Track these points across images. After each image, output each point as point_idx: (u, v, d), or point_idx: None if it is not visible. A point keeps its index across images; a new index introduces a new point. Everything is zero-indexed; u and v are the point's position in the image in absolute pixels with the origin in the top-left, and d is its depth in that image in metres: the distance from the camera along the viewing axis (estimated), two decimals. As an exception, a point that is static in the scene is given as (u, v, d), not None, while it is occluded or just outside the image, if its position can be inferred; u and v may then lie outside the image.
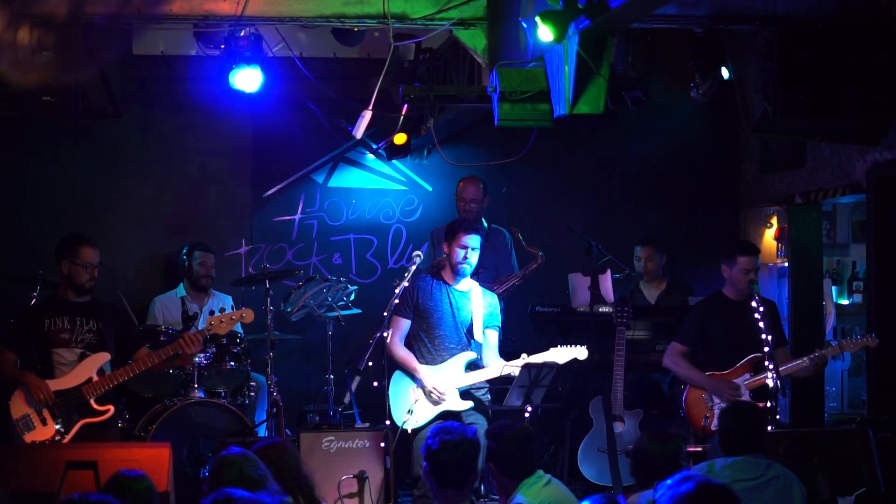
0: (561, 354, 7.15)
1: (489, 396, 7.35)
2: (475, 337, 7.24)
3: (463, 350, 7.22)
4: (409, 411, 7.06)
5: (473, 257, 7.20)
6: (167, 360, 6.95)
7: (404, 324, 7.22)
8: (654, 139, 9.85)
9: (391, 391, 7.14)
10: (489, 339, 7.28)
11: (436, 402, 7.09)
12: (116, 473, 4.34)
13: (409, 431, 7.06)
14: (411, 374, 7.16)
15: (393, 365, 7.21)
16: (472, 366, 7.22)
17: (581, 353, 7.19)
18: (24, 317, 7.13)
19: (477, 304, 7.26)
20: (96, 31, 6.83)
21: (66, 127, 8.87)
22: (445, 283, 7.28)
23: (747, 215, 9.95)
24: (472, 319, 7.24)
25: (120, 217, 9.35)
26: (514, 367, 7.05)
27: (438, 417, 7.05)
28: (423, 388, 7.11)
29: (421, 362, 7.18)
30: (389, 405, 7.06)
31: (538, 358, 7.11)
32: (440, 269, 7.38)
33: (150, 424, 7.67)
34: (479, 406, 7.19)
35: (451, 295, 7.25)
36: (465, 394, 7.18)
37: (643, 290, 9.12)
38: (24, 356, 6.98)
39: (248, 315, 7.21)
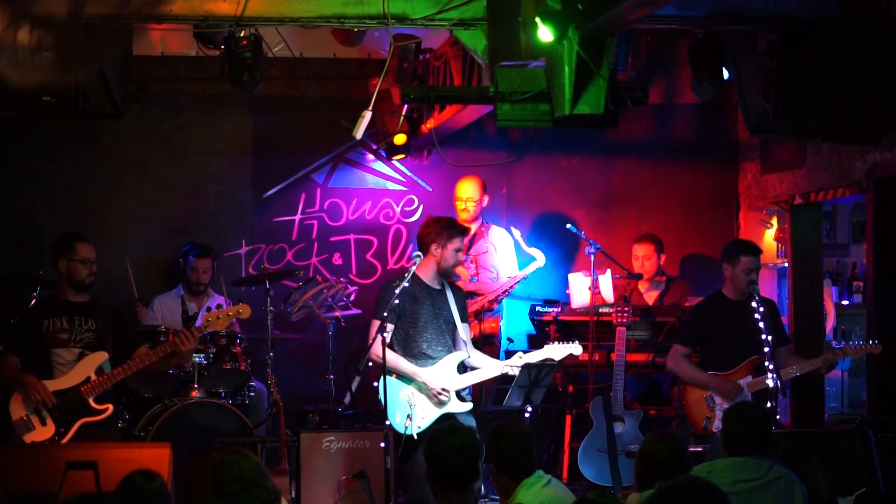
0: (556, 351, 7.15)
1: (471, 394, 7.35)
2: (460, 333, 7.23)
3: (449, 351, 7.21)
4: (409, 416, 7.04)
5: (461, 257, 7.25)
6: (164, 358, 6.94)
7: (389, 329, 7.17)
8: (654, 139, 9.85)
9: (383, 396, 7.11)
10: (465, 333, 7.28)
11: (438, 405, 7.08)
12: (130, 474, 4.34)
13: (416, 437, 7.03)
14: (408, 378, 7.12)
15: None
16: (461, 367, 7.21)
17: (576, 349, 7.21)
18: (24, 319, 7.14)
19: (451, 300, 7.25)
20: (96, 31, 6.83)
21: (66, 127, 8.87)
22: (425, 284, 7.25)
23: (747, 215, 9.95)
24: (452, 318, 7.23)
25: (120, 217, 9.34)
26: (512, 367, 7.05)
27: (440, 419, 7.04)
28: (427, 390, 7.08)
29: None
30: (386, 410, 7.03)
31: (534, 356, 7.12)
32: (416, 269, 7.26)
33: (150, 424, 7.68)
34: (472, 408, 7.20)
35: (431, 296, 7.23)
36: (460, 395, 7.17)
37: (641, 291, 9.12)
38: (25, 358, 6.98)
39: (245, 311, 7.16)
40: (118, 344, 7.07)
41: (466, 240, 7.40)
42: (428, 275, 7.22)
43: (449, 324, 7.22)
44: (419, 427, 7.04)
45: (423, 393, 7.11)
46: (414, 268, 7.13)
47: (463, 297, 7.42)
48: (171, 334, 7.72)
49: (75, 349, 6.92)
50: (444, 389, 7.03)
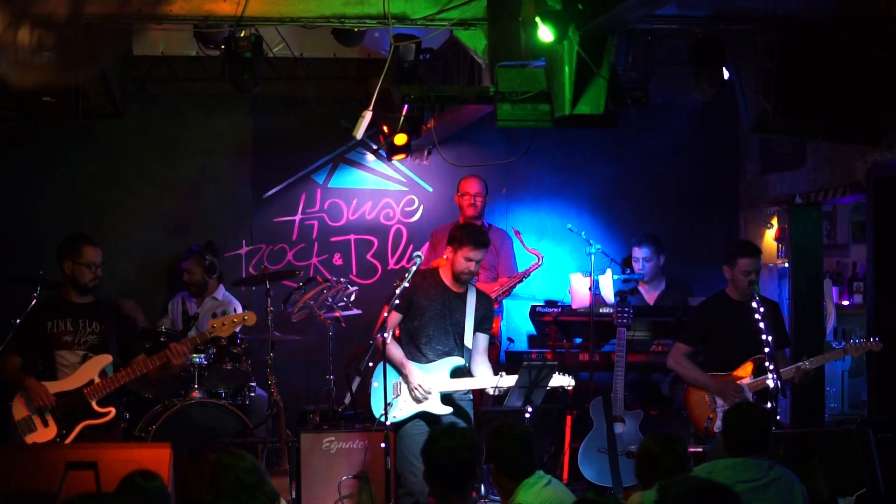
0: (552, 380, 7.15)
1: (471, 396, 7.33)
2: (465, 341, 7.22)
3: (450, 354, 7.20)
4: (390, 404, 7.05)
5: (476, 269, 7.19)
6: (160, 368, 6.93)
7: (395, 317, 7.19)
8: (654, 139, 9.85)
9: (374, 382, 7.11)
10: (478, 343, 7.26)
11: (417, 400, 7.08)
12: (130, 474, 4.34)
13: (389, 424, 7.02)
14: (398, 369, 7.13)
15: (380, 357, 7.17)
16: (457, 372, 7.20)
17: (568, 381, 7.18)
18: (28, 319, 7.12)
19: (471, 307, 7.24)
20: (96, 31, 6.83)
21: (66, 127, 8.88)
22: (442, 284, 7.26)
23: (747, 215, 9.95)
24: (464, 323, 7.23)
25: (120, 217, 9.35)
26: (497, 389, 7.01)
27: (416, 416, 7.05)
28: (408, 383, 7.09)
29: (407, 358, 7.17)
30: (370, 394, 7.04)
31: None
32: (440, 268, 7.33)
33: (150, 425, 7.68)
34: (458, 411, 7.16)
35: (446, 296, 7.22)
36: (447, 399, 7.15)
37: (642, 291, 9.12)
38: (28, 358, 6.98)
39: (251, 318, 7.16)
40: (121, 346, 7.06)
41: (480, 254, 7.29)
42: (447, 276, 7.23)
43: (457, 327, 7.20)
44: (394, 417, 7.05)
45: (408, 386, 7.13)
46: (414, 268, 7.12)
47: (488, 307, 7.35)
48: (172, 336, 7.74)
49: (79, 351, 6.91)
50: (420, 385, 7.03)
